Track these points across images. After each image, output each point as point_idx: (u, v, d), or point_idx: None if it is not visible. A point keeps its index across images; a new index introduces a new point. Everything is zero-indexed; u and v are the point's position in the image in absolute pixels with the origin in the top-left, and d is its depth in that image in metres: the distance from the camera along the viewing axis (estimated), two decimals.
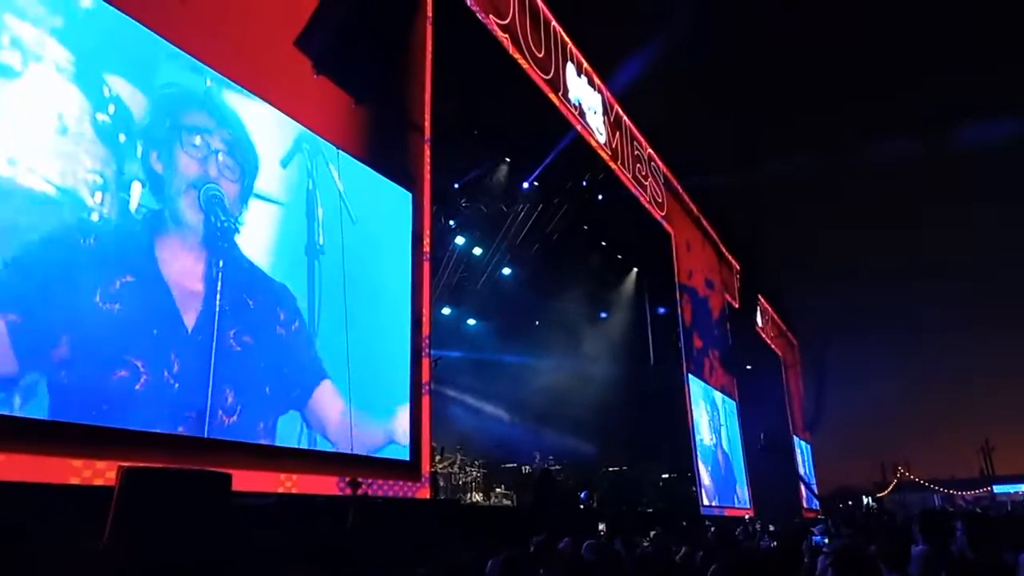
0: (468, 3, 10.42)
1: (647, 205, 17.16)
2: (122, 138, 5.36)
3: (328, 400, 6.93)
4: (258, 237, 6.46)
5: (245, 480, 5.52)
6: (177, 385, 5.43)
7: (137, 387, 5.11)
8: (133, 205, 5.35)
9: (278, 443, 6.30)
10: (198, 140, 6.01)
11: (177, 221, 5.71)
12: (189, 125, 5.95)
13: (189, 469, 4.65)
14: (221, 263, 6.00)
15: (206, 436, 5.56)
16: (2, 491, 4.18)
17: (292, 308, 6.73)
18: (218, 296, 5.88)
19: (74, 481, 4.63)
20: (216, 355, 5.77)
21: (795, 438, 28.95)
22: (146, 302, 5.33)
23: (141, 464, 4.31)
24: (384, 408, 7.69)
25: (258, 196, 6.54)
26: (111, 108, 5.32)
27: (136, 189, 5.39)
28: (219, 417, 5.74)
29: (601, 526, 6.34)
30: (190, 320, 5.65)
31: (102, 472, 4.73)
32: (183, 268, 5.68)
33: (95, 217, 5.06)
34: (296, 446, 6.45)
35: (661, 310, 19.10)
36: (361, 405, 7.25)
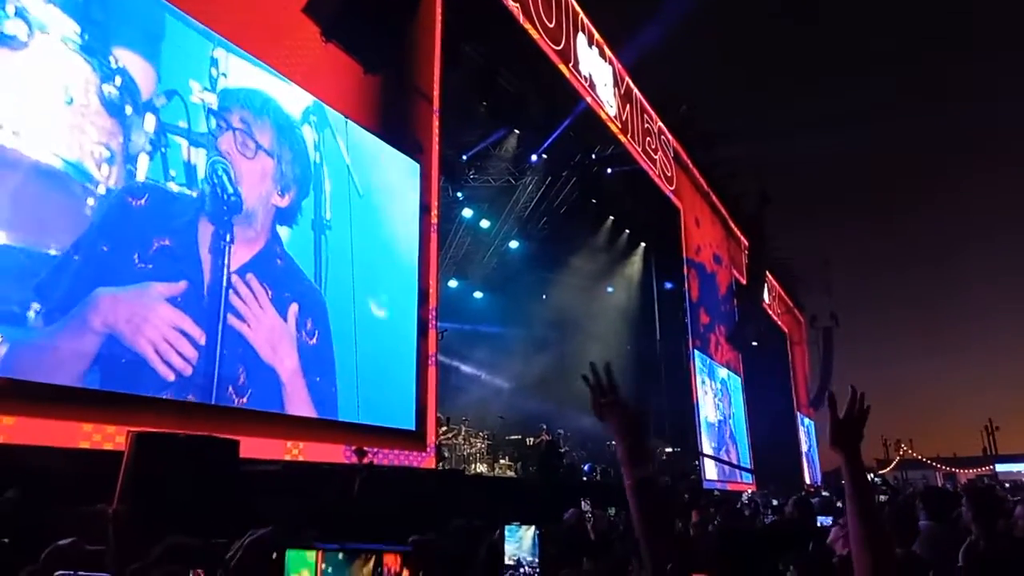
0: None
1: (656, 179, 16.99)
2: (129, 110, 5.32)
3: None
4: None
5: (253, 447, 5.58)
6: (190, 370, 5.53)
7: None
8: (140, 178, 5.33)
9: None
10: (210, 116, 5.96)
11: (195, 203, 5.74)
12: (197, 99, 5.88)
13: (197, 435, 4.69)
14: (228, 237, 6.00)
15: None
16: (14, 454, 4.24)
17: (321, 316, 6.86)
18: (225, 269, 5.90)
19: (84, 445, 4.69)
20: (227, 333, 5.85)
21: (798, 415, 29.03)
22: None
23: (150, 429, 4.36)
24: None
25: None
26: (118, 80, 5.27)
27: (143, 163, 5.36)
28: (229, 394, 5.83)
29: (585, 505, 6.20)
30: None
31: (111, 437, 4.79)
32: (205, 246, 5.79)
33: (101, 190, 5.04)
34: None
35: (668, 285, 19.02)
36: (369, 381, 7.32)
